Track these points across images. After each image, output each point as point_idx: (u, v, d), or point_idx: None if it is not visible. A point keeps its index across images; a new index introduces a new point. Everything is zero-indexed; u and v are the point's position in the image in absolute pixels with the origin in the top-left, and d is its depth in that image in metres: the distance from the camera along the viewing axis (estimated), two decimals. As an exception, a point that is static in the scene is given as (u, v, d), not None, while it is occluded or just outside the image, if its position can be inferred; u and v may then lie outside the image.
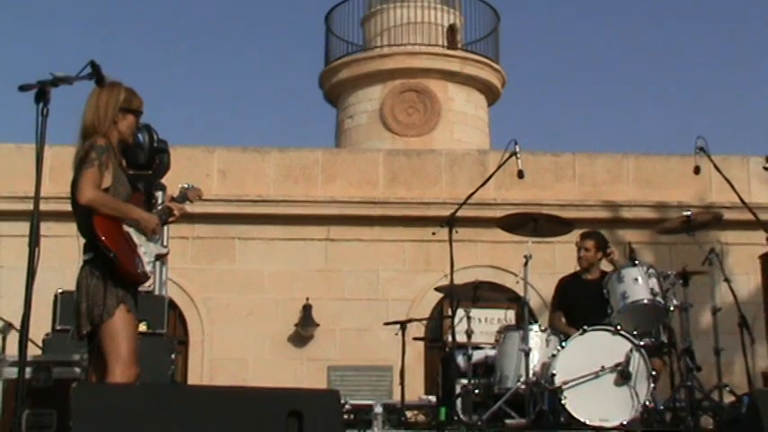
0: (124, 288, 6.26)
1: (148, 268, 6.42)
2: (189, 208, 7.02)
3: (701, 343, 10.03)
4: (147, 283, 7.16)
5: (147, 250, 6.42)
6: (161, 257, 6.70)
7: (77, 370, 7.81)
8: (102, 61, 5.97)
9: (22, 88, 5.77)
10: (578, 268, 10.69)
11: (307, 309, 18.36)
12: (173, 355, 9.98)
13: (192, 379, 17.30)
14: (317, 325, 18.37)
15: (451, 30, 23.61)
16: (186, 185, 7.05)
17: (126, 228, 6.35)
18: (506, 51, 26.24)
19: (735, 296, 9.81)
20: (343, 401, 6.70)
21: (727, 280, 9.87)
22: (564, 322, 10.44)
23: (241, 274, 18.50)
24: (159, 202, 8.57)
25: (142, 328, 9.26)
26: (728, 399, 9.81)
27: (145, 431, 4.81)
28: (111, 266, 6.20)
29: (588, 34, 58.42)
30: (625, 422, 8.39)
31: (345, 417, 8.67)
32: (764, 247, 10.80)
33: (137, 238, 6.38)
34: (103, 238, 6.17)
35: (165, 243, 6.85)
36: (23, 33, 56.84)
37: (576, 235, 10.72)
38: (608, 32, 58.36)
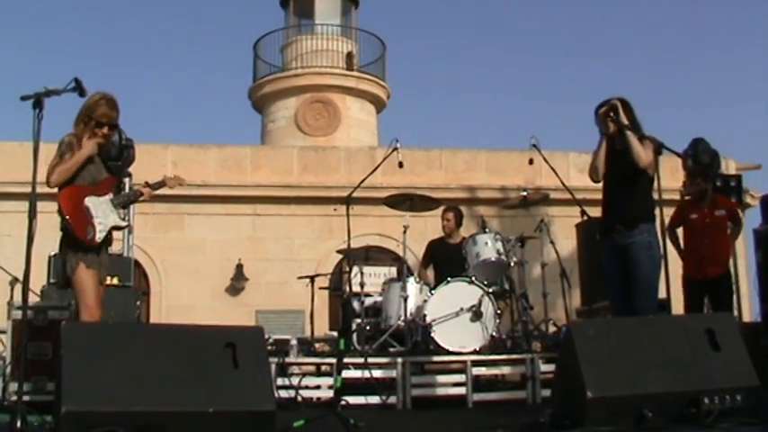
0: (83, 250, 6.23)
1: (100, 236, 6.31)
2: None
3: (533, 289, 10.16)
4: (117, 247, 7.12)
5: (103, 221, 6.34)
6: (119, 229, 6.63)
7: (66, 313, 7.78)
8: (83, 75, 5.99)
9: (23, 98, 5.75)
10: (443, 234, 10.82)
11: (239, 267, 18.33)
12: (138, 303, 9.97)
13: (153, 320, 17.16)
14: (247, 279, 18.36)
15: (349, 55, 23.55)
16: (170, 175, 7.06)
17: (87, 203, 6.30)
18: (391, 71, 26.25)
19: (558, 254, 9.98)
20: (267, 336, 6.70)
21: (552, 242, 10.03)
22: (429, 275, 10.55)
23: (189, 241, 18.42)
24: (126, 185, 8.50)
25: (114, 281, 9.24)
26: (552, 329, 10.04)
27: (116, 357, 4.82)
28: (71, 233, 6.22)
29: (450, 56, 58.75)
30: (477, 348, 8.50)
31: (269, 348, 8.68)
32: (579, 219, 11.00)
33: (95, 211, 6.32)
34: (63, 209, 6.21)
35: (124, 218, 6.76)
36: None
37: (441, 210, 10.86)
38: (465, 56, 58.77)
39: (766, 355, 9.05)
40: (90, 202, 6.34)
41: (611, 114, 6.82)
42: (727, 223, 9.61)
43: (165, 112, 56.24)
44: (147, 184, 6.89)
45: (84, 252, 6.24)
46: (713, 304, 9.37)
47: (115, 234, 6.71)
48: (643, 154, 6.67)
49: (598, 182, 7.02)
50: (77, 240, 6.23)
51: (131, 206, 7.44)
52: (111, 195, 6.51)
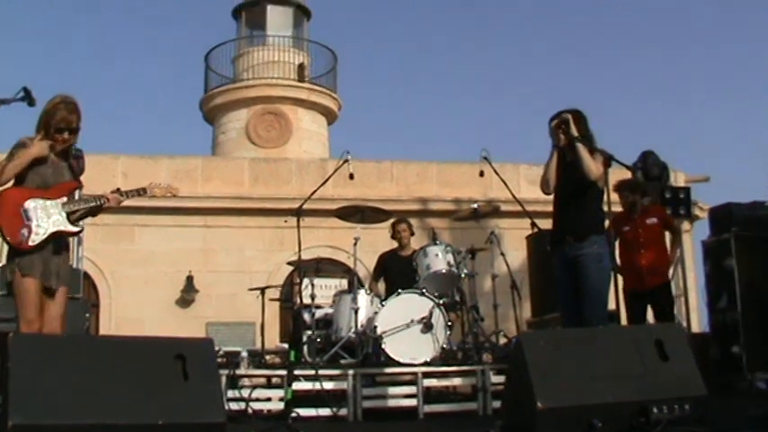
0: (20, 255, 5.92)
1: (35, 239, 5.92)
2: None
3: (484, 301, 10.19)
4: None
5: (43, 225, 5.98)
6: (70, 234, 6.31)
7: (15, 324, 7.63)
8: (33, 83, 5.91)
9: (-29, 107, 5.66)
10: (399, 246, 10.81)
11: (189, 279, 18.27)
12: (87, 315, 9.87)
13: (102, 333, 16.99)
14: (198, 291, 18.29)
15: (301, 67, 23.57)
16: (159, 183, 6.79)
17: (27, 206, 5.98)
18: (342, 82, 26.35)
19: (508, 266, 10.02)
20: (217, 348, 6.66)
21: (502, 254, 10.07)
22: (380, 288, 10.56)
23: (139, 253, 18.32)
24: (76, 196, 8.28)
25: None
26: (503, 341, 10.06)
27: (65, 370, 4.77)
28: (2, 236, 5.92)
29: (401, 69, 58.97)
30: (428, 360, 8.48)
31: (219, 360, 8.62)
32: (529, 231, 11.04)
33: (35, 214, 5.98)
34: None
35: (75, 222, 6.42)
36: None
37: (392, 222, 10.88)
38: (416, 68, 59.05)
39: (714, 366, 9.20)
40: (32, 204, 6.01)
41: (563, 127, 6.86)
42: (663, 232, 9.70)
43: (116, 123, 55.84)
44: (118, 191, 6.55)
45: (22, 257, 5.92)
46: (655, 314, 9.45)
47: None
48: (593, 167, 6.73)
49: (549, 194, 7.05)
50: (9, 245, 5.93)
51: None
52: (64, 199, 6.19)
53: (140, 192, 6.62)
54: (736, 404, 7.43)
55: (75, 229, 6.30)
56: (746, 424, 5.70)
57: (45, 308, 6.03)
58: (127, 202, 6.77)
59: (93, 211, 6.51)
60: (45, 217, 6.05)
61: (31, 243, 5.96)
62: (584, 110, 7.03)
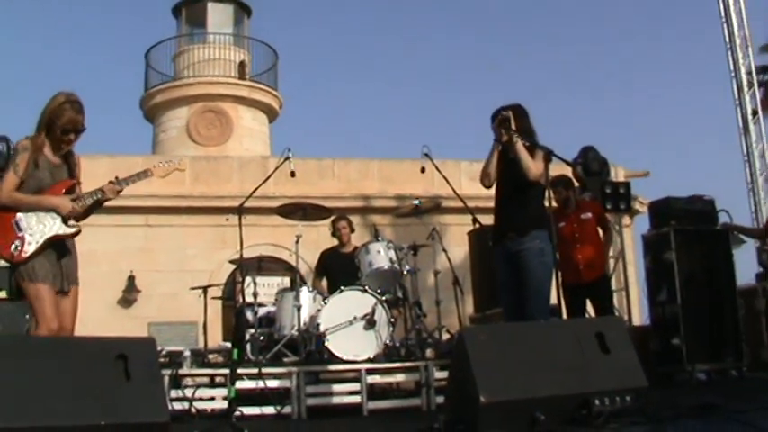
0: (23, 263, 5.80)
1: (29, 249, 5.78)
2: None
3: (426, 297, 10.20)
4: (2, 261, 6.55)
5: (36, 233, 5.83)
6: (67, 236, 6.13)
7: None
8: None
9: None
10: (339, 243, 10.81)
11: (131, 278, 18.12)
12: (27, 316, 9.70)
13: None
14: (140, 291, 18.15)
15: (241, 65, 23.47)
16: (160, 164, 6.68)
17: (20, 216, 5.80)
18: (283, 80, 26.27)
19: (450, 262, 10.04)
20: (159, 348, 6.58)
21: (444, 251, 10.08)
22: (323, 285, 10.54)
23: (79, 253, 17.99)
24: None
25: (2, 295, 8.97)
26: (446, 336, 10.09)
27: (3, 371, 4.69)
28: None
29: (342, 66, 59.04)
30: (372, 356, 8.50)
31: (161, 360, 8.54)
32: (471, 227, 11.08)
33: (26, 223, 5.81)
34: None
35: (68, 222, 6.20)
36: None
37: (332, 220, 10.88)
38: (356, 66, 59.13)
39: (655, 357, 9.32)
40: (23, 214, 5.84)
41: (504, 125, 6.86)
42: (597, 228, 9.80)
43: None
44: (116, 180, 6.38)
45: (25, 265, 5.78)
46: (594, 307, 9.54)
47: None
48: (533, 166, 6.72)
49: (489, 187, 7.04)
50: (5, 259, 5.80)
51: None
52: None
53: (141, 176, 6.46)
54: (677, 395, 7.51)
55: (72, 230, 6.11)
56: (687, 414, 5.76)
57: (58, 304, 6.02)
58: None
59: (92, 209, 6.34)
60: (37, 223, 5.88)
61: (24, 254, 5.80)
62: (524, 104, 7.06)
